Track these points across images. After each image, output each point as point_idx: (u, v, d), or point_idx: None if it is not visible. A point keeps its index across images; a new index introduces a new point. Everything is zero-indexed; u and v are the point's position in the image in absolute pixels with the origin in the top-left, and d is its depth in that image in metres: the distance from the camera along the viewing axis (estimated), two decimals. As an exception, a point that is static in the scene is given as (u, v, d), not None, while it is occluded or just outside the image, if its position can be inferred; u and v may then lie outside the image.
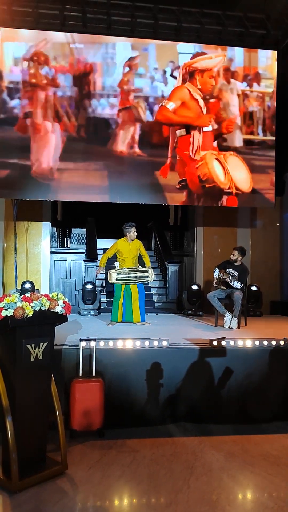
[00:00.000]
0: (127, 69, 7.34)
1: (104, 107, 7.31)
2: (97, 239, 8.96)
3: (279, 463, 3.41)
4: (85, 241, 9.01)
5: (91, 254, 8.26)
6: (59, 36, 7.22)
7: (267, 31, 7.72)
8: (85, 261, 8.13)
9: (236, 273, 6.08)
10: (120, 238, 6.30)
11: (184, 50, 7.51)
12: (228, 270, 6.11)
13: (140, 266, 6.23)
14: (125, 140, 7.24)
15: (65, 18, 7.38)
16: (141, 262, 6.42)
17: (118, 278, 5.97)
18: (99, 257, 8.64)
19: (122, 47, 7.38)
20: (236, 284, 5.99)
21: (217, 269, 6.24)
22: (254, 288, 7.82)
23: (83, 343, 4.07)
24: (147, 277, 6.09)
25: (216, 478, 3.12)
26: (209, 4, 7.37)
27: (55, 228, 8.92)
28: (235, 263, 6.21)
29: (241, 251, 6.25)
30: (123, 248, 6.13)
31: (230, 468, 3.30)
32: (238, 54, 7.66)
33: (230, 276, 6.03)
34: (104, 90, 7.32)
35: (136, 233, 6.16)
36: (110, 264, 6.39)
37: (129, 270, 6.05)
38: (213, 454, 3.54)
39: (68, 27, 7.43)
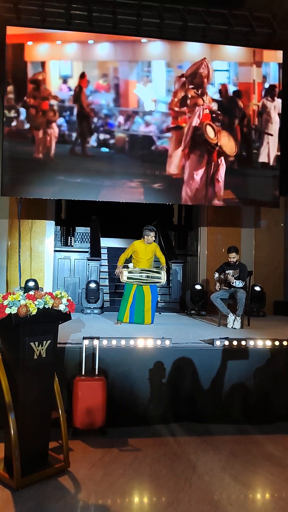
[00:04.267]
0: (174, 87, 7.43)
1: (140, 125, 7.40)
2: (101, 238, 8.98)
3: (281, 463, 3.40)
4: (89, 240, 9.03)
5: (95, 253, 8.27)
6: (101, 55, 7.32)
7: (273, 31, 7.68)
8: (88, 259, 8.15)
9: (236, 272, 6.06)
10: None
11: (219, 67, 7.61)
12: (227, 271, 6.10)
13: (153, 268, 6.22)
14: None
15: (71, 17, 7.38)
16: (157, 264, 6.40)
17: (129, 277, 5.96)
18: (103, 256, 8.68)
19: (157, 65, 7.45)
20: (238, 284, 5.98)
21: (217, 273, 6.25)
22: (257, 288, 7.80)
23: (86, 342, 4.08)
24: (159, 278, 6.06)
25: (218, 478, 3.12)
26: (215, 3, 7.34)
27: (59, 227, 8.94)
28: (233, 263, 6.20)
29: (236, 251, 6.25)
30: (140, 249, 6.12)
31: (232, 468, 3.30)
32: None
33: (230, 273, 6.02)
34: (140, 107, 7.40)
35: (154, 238, 6.13)
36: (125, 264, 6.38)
37: (141, 270, 6.04)
38: (215, 454, 3.54)
39: (73, 26, 7.43)
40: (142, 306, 6.03)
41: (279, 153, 7.66)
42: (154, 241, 6.22)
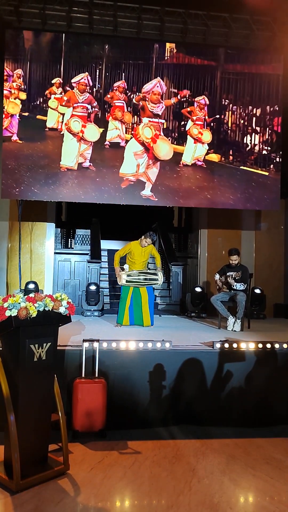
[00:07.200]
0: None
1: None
2: (101, 240, 8.98)
3: (281, 466, 3.39)
4: (89, 242, 9.03)
5: (95, 255, 8.28)
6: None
7: (273, 34, 7.71)
8: (89, 262, 8.15)
9: (238, 275, 6.05)
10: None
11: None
12: (229, 273, 6.10)
13: (149, 269, 6.21)
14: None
15: (71, 20, 7.41)
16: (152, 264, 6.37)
17: (128, 280, 5.96)
18: (103, 258, 8.68)
19: None
20: (240, 286, 5.97)
21: (217, 274, 6.24)
22: (257, 290, 7.80)
23: (86, 344, 4.08)
24: (156, 280, 6.06)
25: (218, 481, 3.11)
26: (215, 6, 7.37)
27: (59, 229, 8.95)
28: (234, 266, 6.20)
29: (238, 253, 6.25)
30: (136, 250, 6.13)
31: (231, 471, 3.29)
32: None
33: (231, 276, 6.01)
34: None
35: (147, 244, 6.09)
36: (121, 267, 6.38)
37: (139, 273, 6.04)
38: (215, 457, 3.54)
39: (74, 29, 7.47)
40: (140, 308, 6.03)
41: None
42: (153, 243, 6.22)
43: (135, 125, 7.35)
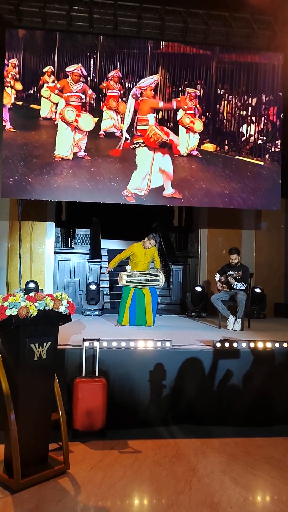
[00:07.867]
0: None
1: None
2: (102, 240, 8.98)
3: (282, 466, 3.39)
4: (89, 241, 9.03)
5: (95, 254, 8.28)
6: None
7: (274, 33, 7.70)
8: (89, 261, 8.15)
9: (239, 274, 6.04)
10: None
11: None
12: (229, 273, 6.10)
13: (151, 270, 6.22)
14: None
15: (71, 19, 7.41)
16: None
17: (129, 280, 5.97)
18: (103, 258, 8.68)
19: None
20: (240, 286, 5.97)
21: (218, 274, 6.24)
22: (258, 290, 7.80)
23: (86, 343, 4.07)
24: (157, 281, 6.06)
25: (218, 481, 3.11)
26: (216, 6, 7.37)
27: (59, 228, 8.95)
28: (234, 265, 6.19)
29: (238, 252, 6.25)
30: (139, 252, 6.14)
31: (232, 470, 3.29)
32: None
33: (231, 276, 6.01)
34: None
35: (150, 245, 6.14)
36: (121, 266, 6.38)
37: (140, 274, 6.05)
38: (215, 456, 3.54)
39: (74, 28, 7.46)
40: (143, 308, 6.03)
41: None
42: (154, 245, 6.23)
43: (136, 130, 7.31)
